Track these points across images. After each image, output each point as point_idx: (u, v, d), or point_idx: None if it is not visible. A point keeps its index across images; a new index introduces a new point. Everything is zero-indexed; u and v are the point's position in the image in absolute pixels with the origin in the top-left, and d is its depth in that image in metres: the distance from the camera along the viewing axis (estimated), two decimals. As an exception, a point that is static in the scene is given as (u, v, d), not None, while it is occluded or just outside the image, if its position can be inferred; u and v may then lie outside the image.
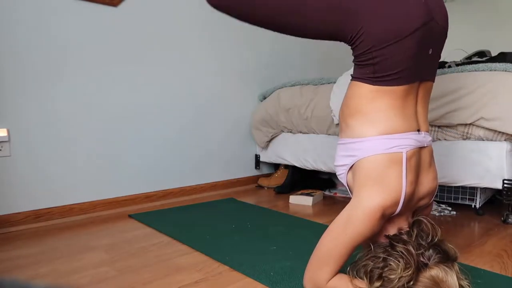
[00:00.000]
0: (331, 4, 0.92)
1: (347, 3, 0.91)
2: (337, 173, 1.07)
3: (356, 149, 0.98)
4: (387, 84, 0.93)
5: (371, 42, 0.90)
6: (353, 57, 0.98)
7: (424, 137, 1.01)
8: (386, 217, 0.95)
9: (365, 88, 0.95)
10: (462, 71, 1.74)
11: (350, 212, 0.95)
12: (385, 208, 0.92)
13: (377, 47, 0.90)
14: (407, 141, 0.95)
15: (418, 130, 1.00)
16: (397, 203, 0.94)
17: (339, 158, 1.05)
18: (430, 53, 0.98)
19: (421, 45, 0.93)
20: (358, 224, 0.92)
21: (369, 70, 0.93)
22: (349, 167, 1.01)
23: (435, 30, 0.96)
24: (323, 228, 1.01)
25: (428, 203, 1.09)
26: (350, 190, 1.06)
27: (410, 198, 0.99)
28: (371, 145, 0.95)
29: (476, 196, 1.91)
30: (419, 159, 1.00)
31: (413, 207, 1.04)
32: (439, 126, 1.79)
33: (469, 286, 0.90)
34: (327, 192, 2.40)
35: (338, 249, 0.94)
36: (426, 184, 1.03)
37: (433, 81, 1.04)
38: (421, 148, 1.00)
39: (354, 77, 0.98)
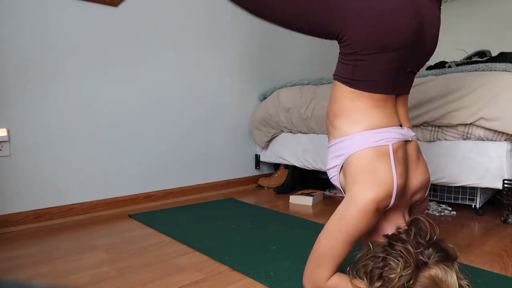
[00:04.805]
0: (323, 11, 0.97)
1: (340, 5, 0.94)
2: (329, 177, 1.08)
3: (343, 147, 1.00)
4: (363, 89, 0.97)
5: (357, 47, 0.93)
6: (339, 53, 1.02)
7: (407, 132, 1.04)
8: (381, 211, 0.95)
9: (345, 89, 1.00)
10: (462, 71, 1.75)
11: (344, 209, 0.96)
12: (378, 201, 0.92)
13: (361, 52, 0.93)
14: (392, 135, 0.98)
15: (401, 126, 1.03)
16: (390, 195, 0.94)
17: (329, 161, 1.07)
18: (407, 70, 1.00)
19: (402, 62, 0.96)
20: (352, 220, 0.92)
21: (348, 71, 0.97)
22: (340, 167, 1.02)
23: (420, 51, 0.99)
24: (323, 228, 1.02)
25: (423, 198, 1.10)
26: (343, 191, 1.06)
27: (403, 191, 1.00)
28: (357, 141, 0.97)
29: (476, 196, 1.91)
30: (406, 153, 1.02)
31: (407, 202, 1.05)
32: (439, 126, 1.79)
33: (468, 286, 0.90)
34: (327, 192, 2.40)
35: (335, 247, 0.94)
36: (417, 177, 1.04)
37: (408, 93, 1.08)
38: (406, 142, 1.03)
39: (336, 76, 1.02)
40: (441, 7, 1.05)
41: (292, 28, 1.05)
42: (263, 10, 1.06)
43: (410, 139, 1.04)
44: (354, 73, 0.96)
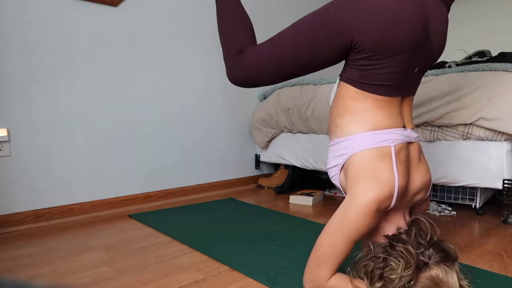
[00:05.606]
0: (331, 28, 0.93)
1: (345, 16, 0.92)
2: (330, 176, 1.08)
3: (345, 147, 0.99)
4: (369, 91, 0.96)
5: (367, 52, 0.92)
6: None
7: (410, 133, 1.03)
8: (382, 211, 0.95)
9: (350, 90, 0.99)
10: (462, 71, 1.74)
11: (345, 209, 0.95)
12: (379, 202, 0.92)
13: (370, 57, 0.92)
14: (394, 136, 0.97)
15: (404, 127, 1.02)
16: (391, 196, 0.94)
17: (330, 160, 1.06)
18: (415, 71, 1.00)
19: (409, 64, 0.95)
20: (353, 220, 0.92)
21: (355, 74, 0.97)
22: (341, 166, 1.02)
23: (426, 51, 0.98)
24: (323, 228, 1.02)
25: (424, 198, 1.09)
26: (343, 191, 1.06)
27: (404, 192, 1.00)
28: (359, 141, 0.97)
29: (476, 196, 1.91)
30: (408, 154, 1.02)
31: (408, 203, 1.05)
32: (439, 126, 1.79)
33: (469, 286, 0.90)
34: (327, 192, 2.41)
35: (336, 247, 0.94)
36: (419, 178, 1.04)
37: (414, 94, 1.08)
38: (409, 143, 1.03)
39: (342, 77, 1.01)
40: (450, 6, 1.04)
41: (306, 69, 1.01)
42: (280, 71, 1.02)
43: (413, 141, 1.04)
44: (361, 76, 0.95)
